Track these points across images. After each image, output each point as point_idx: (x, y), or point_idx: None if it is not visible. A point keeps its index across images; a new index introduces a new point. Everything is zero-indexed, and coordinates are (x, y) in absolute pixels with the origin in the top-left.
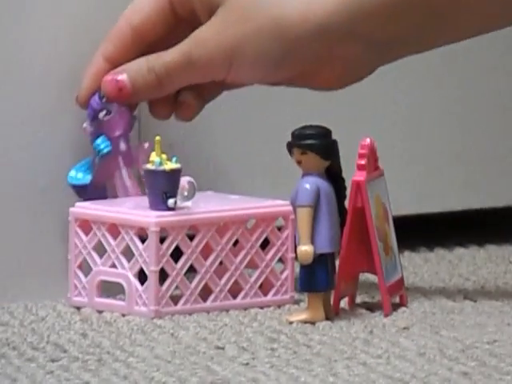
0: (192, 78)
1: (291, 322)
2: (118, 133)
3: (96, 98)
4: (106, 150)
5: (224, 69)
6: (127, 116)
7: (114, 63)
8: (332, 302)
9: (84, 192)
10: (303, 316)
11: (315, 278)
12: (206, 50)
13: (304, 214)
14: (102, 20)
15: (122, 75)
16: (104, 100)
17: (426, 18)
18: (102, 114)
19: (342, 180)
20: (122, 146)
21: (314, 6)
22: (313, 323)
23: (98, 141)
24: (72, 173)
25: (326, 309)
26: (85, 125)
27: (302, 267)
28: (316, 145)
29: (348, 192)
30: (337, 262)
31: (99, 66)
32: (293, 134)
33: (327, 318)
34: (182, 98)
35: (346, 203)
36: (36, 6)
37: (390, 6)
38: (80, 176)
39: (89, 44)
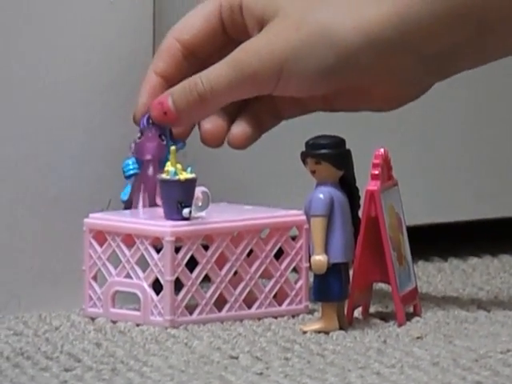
0: (238, 91)
1: (305, 332)
2: (147, 157)
3: (145, 119)
4: (129, 172)
5: (274, 79)
6: (156, 141)
7: (167, 78)
8: (346, 312)
9: (127, 208)
10: (317, 326)
11: (329, 287)
12: (257, 59)
13: (318, 224)
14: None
15: (166, 98)
16: (151, 122)
17: (477, 31)
18: (137, 136)
19: (356, 189)
20: (150, 171)
21: (367, 16)
22: (327, 333)
23: (129, 161)
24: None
25: (340, 318)
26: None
27: (316, 277)
28: (330, 154)
29: (362, 202)
30: (350, 272)
31: (153, 82)
32: (307, 144)
33: (341, 328)
34: (238, 126)
35: (360, 213)
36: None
37: (441, 19)
38: (127, 191)
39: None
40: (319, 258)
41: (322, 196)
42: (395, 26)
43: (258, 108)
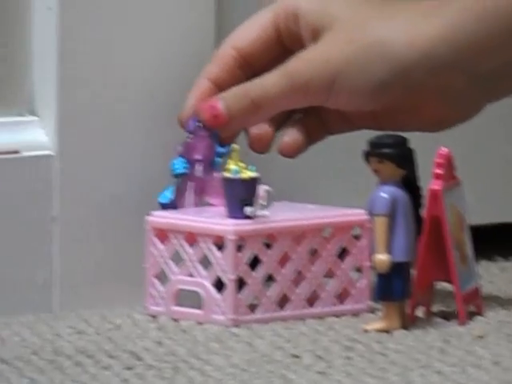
0: (290, 100)
1: (367, 331)
2: (196, 156)
3: (194, 121)
4: (177, 171)
5: (326, 90)
6: (206, 142)
7: (219, 85)
8: (408, 311)
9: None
10: (379, 325)
11: (391, 286)
12: (310, 68)
13: (381, 223)
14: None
15: (218, 102)
16: (200, 125)
17: None
18: (186, 137)
19: (419, 189)
20: (198, 171)
21: (421, 32)
22: (389, 332)
23: (176, 161)
24: (166, 192)
25: (402, 317)
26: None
27: (379, 276)
28: (392, 153)
29: (425, 201)
30: (413, 271)
31: (203, 87)
32: (369, 143)
33: (403, 327)
34: (289, 134)
35: (423, 212)
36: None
37: (495, 36)
38: (167, 194)
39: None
40: (382, 257)
41: (384, 195)
42: (449, 43)
43: (307, 120)
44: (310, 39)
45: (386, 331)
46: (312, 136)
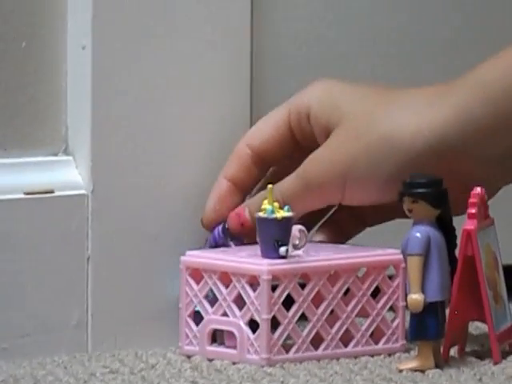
0: (308, 202)
1: (401, 370)
2: None
3: (220, 230)
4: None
5: (339, 188)
6: None
7: (237, 183)
8: (442, 350)
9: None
10: (413, 364)
11: (425, 326)
12: (320, 169)
13: (415, 263)
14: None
15: (244, 210)
16: (226, 233)
17: None
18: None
19: (453, 229)
20: None
21: (427, 120)
22: (423, 371)
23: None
24: None
25: (436, 357)
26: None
27: (413, 315)
28: (427, 193)
29: (458, 241)
30: (447, 311)
31: (223, 188)
32: (404, 183)
33: (437, 366)
34: (319, 234)
35: (457, 252)
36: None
37: (503, 119)
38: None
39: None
40: (416, 297)
41: (419, 235)
42: (456, 130)
43: (341, 215)
44: (322, 136)
45: (421, 371)
46: (346, 230)
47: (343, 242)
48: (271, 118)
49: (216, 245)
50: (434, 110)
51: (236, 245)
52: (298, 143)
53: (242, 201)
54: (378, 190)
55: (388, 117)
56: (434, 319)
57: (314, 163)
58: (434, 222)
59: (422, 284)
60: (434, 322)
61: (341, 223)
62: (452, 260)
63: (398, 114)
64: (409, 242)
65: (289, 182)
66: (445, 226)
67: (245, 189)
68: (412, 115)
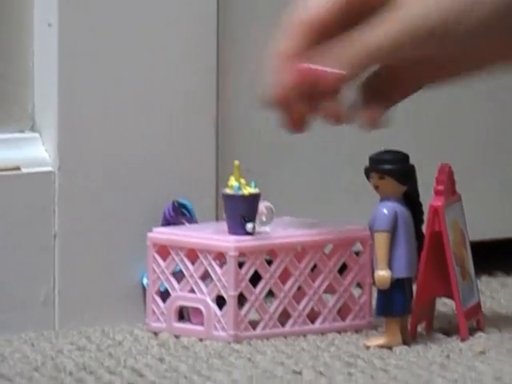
0: (407, 51)
1: (368, 347)
2: None
3: (170, 208)
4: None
5: (434, 38)
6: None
7: (296, 59)
8: (409, 327)
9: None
10: (380, 341)
11: (392, 302)
12: (427, 9)
13: (381, 239)
14: None
15: (331, 67)
16: (178, 211)
17: None
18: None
19: (420, 205)
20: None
21: None
22: (390, 348)
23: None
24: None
25: (403, 333)
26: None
27: (380, 292)
28: (393, 170)
29: (426, 217)
30: (414, 287)
31: (283, 63)
32: (370, 159)
33: (404, 343)
34: (367, 108)
35: (424, 228)
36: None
37: None
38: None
39: None
40: (383, 274)
41: (386, 211)
42: None
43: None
44: None
45: (388, 347)
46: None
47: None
48: None
49: (168, 224)
50: None
51: (189, 222)
52: (352, 11)
53: None
54: (478, 36)
55: None
56: (401, 295)
57: (414, 9)
58: (400, 198)
59: (388, 260)
60: (401, 298)
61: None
62: (419, 236)
63: None
64: (376, 219)
65: (385, 30)
66: (412, 202)
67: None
68: None
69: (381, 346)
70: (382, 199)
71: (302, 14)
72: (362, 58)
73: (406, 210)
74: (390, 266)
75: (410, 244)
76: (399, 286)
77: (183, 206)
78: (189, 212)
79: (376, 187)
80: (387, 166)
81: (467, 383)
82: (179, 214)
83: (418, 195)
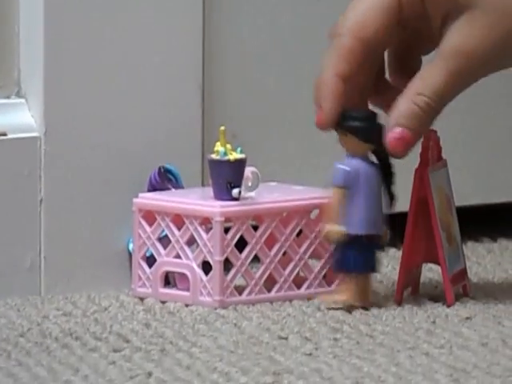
0: (461, 89)
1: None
2: None
3: (156, 173)
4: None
5: (495, 67)
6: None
7: (349, 81)
8: (395, 292)
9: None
10: (332, 298)
11: (346, 258)
12: (476, 59)
13: (335, 195)
14: None
15: (403, 131)
16: (163, 176)
17: None
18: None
19: (389, 166)
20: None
21: None
22: (347, 309)
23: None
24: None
25: (363, 293)
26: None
27: (335, 248)
28: (356, 127)
29: (411, 182)
30: (400, 252)
31: (337, 86)
32: (340, 115)
33: (366, 304)
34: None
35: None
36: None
37: None
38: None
39: None
40: (331, 228)
41: (343, 167)
42: None
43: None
44: (438, 19)
45: (342, 308)
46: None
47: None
48: (378, 4)
49: (153, 189)
50: None
51: (175, 188)
52: (402, 26)
53: (353, 98)
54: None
55: None
56: (356, 252)
57: (466, 56)
58: (367, 156)
59: (345, 216)
60: (356, 255)
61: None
62: (390, 196)
63: None
64: (334, 174)
65: (441, 80)
66: (382, 162)
67: (355, 85)
68: None
69: (335, 307)
70: (348, 156)
71: (353, 33)
72: (427, 115)
73: (373, 168)
74: (346, 223)
75: (370, 202)
76: (355, 242)
77: (169, 171)
78: (175, 178)
79: (341, 144)
80: (351, 123)
81: (453, 349)
82: (165, 180)
83: (386, 156)
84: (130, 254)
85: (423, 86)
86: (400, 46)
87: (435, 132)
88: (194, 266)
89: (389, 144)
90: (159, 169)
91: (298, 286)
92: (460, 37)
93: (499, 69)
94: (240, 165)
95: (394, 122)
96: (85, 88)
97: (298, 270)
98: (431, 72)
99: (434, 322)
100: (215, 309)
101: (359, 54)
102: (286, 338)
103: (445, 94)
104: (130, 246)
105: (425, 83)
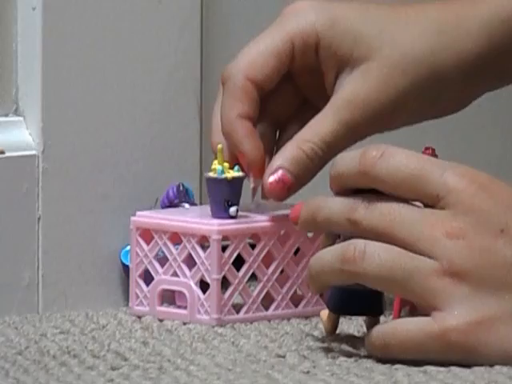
0: (353, 141)
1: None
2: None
3: (174, 189)
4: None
5: (387, 122)
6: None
7: (252, 121)
8: (393, 311)
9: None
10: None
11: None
12: (369, 111)
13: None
14: None
15: (285, 175)
16: (181, 193)
17: None
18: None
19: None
20: None
21: (465, 49)
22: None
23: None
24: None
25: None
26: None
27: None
28: None
29: None
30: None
31: (247, 127)
32: None
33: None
34: None
35: None
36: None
37: None
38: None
39: None
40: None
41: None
42: (487, 56)
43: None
44: (332, 70)
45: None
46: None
47: None
48: (270, 49)
49: (170, 205)
50: (469, 40)
51: (191, 205)
52: (291, 71)
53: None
54: (421, 114)
55: (428, 44)
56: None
57: (360, 106)
58: None
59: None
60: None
61: None
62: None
63: (439, 41)
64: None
65: (330, 129)
66: None
67: (255, 125)
68: (450, 43)
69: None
70: None
71: (245, 75)
72: (314, 163)
73: None
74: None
75: None
76: None
77: (187, 190)
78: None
79: None
80: None
81: (451, 367)
82: (183, 197)
83: None
84: (123, 265)
85: (311, 134)
86: (296, 98)
87: (433, 150)
88: (192, 284)
89: (267, 185)
90: (178, 185)
91: (296, 304)
92: (353, 88)
93: (404, 124)
94: (237, 183)
95: (277, 164)
96: (83, 106)
97: (295, 288)
98: (321, 121)
99: None
100: (213, 327)
101: (253, 93)
102: (284, 356)
103: (333, 144)
104: (122, 256)
105: (313, 131)
